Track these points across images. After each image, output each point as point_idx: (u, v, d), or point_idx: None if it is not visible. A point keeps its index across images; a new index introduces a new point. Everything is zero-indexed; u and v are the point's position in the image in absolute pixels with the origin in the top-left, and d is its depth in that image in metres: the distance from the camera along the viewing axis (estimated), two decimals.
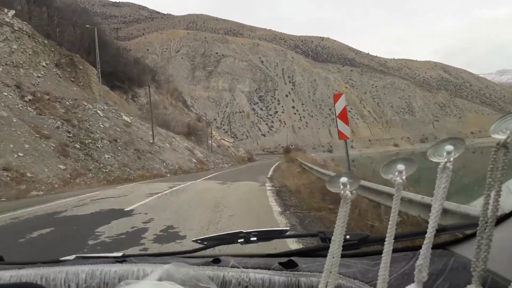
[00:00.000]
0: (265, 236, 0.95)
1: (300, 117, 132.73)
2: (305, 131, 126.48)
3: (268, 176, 15.15)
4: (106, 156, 16.68)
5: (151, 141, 21.58)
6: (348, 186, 0.58)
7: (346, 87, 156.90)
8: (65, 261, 0.93)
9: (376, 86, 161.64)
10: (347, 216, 0.59)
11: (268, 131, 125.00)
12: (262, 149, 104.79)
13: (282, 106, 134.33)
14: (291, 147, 36.42)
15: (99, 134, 18.01)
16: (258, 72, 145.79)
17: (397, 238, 0.60)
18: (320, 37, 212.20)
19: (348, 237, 0.77)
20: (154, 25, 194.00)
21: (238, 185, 11.12)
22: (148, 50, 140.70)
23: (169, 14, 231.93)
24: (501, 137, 0.46)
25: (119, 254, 0.94)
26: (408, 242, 0.90)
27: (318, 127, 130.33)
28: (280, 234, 0.97)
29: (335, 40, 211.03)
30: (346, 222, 0.59)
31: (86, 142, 16.62)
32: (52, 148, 14.66)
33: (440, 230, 0.59)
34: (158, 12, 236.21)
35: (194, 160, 26.17)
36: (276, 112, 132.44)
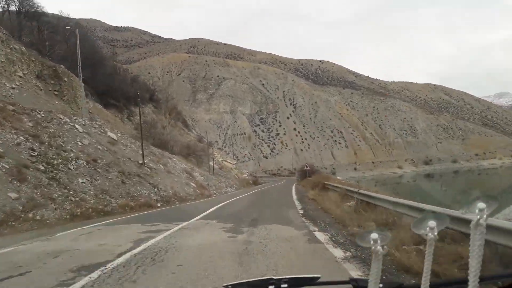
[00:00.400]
0: (296, 283, 0.93)
1: (302, 139, 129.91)
2: (307, 153, 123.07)
3: (299, 211, 10.26)
4: (80, 180, 13.02)
5: (140, 161, 17.96)
6: (378, 241, 0.57)
7: (347, 109, 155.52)
8: None
9: (377, 108, 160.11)
10: (379, 272, 0.58)
11: (270, 153, 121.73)
12: (264, 171, 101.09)
13: (284, 128, 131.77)
14: (306, 168, 31.54)
15: (74, 153, 14.44)
16: (259, 95, 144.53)
17: (432, 287, 0.58)
18: (320, 61, 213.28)
19: (381, 285, 0.73)
20: (156, 49, 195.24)
21: (266, 240, 5.85)
22: (149, 73, 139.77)
23: (171, 39, 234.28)
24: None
25: None
26: None
27: (320, 149, 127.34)
28: (311, 282, 0.95)
29: (334, 63, 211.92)
30: (379, 278, 0.58)
31: (55, 162, 13.01)
32: (4, 170, 11.06)
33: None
34: (160, 37, 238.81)
35: (193, 184, 22.44)
36: (278, 134, 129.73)
